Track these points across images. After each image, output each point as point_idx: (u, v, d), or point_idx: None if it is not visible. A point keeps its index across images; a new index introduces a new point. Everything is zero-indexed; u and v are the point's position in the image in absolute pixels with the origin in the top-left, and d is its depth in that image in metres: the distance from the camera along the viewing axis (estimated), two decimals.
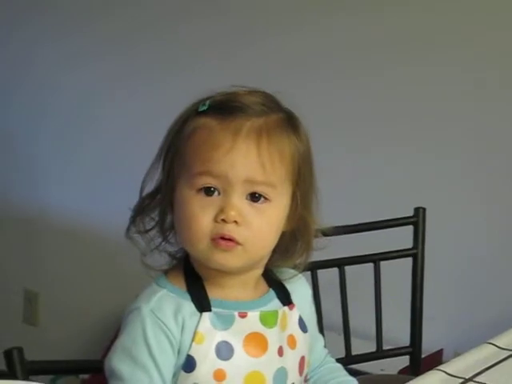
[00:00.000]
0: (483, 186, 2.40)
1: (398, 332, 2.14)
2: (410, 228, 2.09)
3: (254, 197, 1.10)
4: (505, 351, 1.47)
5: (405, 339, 2.12)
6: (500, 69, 2.35)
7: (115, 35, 3.02)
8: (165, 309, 1.13)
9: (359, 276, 2.08)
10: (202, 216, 1.10)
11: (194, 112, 1.13)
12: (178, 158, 1.13)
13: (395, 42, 2.48)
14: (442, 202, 2.39)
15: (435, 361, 2.41)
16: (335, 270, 2.02)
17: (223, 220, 1.09)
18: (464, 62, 2.39)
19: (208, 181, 1.09)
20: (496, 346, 1.49)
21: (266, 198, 1.11)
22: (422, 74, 2.45)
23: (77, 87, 3.13)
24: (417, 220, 2.10)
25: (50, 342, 3.11)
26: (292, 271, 1.23)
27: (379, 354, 2.08)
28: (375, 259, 2.07)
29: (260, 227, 1.11)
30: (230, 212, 1.08)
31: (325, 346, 1.34)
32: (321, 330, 1.45)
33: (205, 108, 1.11)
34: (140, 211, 1.19)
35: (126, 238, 1.20)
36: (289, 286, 1.23)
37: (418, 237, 2.10)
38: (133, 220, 1.19)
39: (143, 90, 2.96)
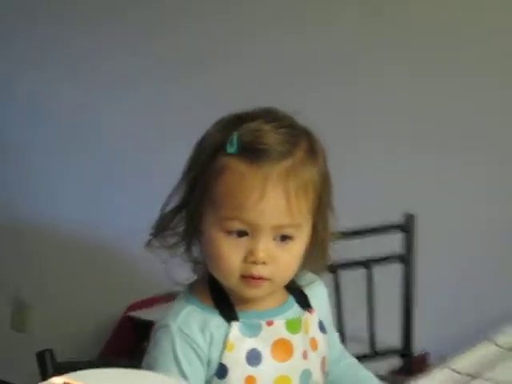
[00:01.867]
0: (471, 195, 2.47)
1: (387, 335, 2.21)
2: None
3: (282, 238, 1.17)
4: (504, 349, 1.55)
5: (394, 342, 2.20)
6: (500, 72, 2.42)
7: (116, 38, 3.03)
8: (192, 325, 1.19)
9: (349, 281, 2.15)
10: (231, 257, 1.16)
11: (221, 148, 1.16)
12: (206, 191, 1.17)
13: (394, 47, 2.53)
14: (434, 209, 2.45)
15: (422, 363, 2.49)
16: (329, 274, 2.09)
17: (253, 261, 1.15)
18: (463, 63, 2.44)
19: (238, 226, 1.15)
20: (496, 344, 1.56)
21: (291, 237, 1.17)
22: (413, 78, 2.50)
23: (73, 95, 3.16)
24: (407, 226, 2.18)
25: (37, 349, 3.12)
26: (311, 276, 1.29)
27: (372, 356, 2.16)
28: (368, 264, 2.14)
29: (287, 262, 1.18)
30: (259, 254, 1.15)
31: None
32: None
33: (233, 151, 1.15)
34: (162, 228, 1.23)
35: (147, 250, 1.24)
36: (307, 291, 1.29)
37: (409, 242, 2.18)
38: (154, 236, 1.24)
39: (142, 100, 2.99)
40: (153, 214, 2.97)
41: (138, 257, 2.99)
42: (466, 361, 1.49)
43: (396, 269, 2.20)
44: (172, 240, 1.22)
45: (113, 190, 3.12)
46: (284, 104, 1.24)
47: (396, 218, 2.19)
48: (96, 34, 3.06)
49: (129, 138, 3.05)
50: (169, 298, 3.03)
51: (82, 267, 3.16)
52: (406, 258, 2.19)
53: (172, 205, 1.22)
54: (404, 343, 2.21)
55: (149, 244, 1.23)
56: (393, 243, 2.20)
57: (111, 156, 3.09)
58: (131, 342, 2.78)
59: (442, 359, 2.35)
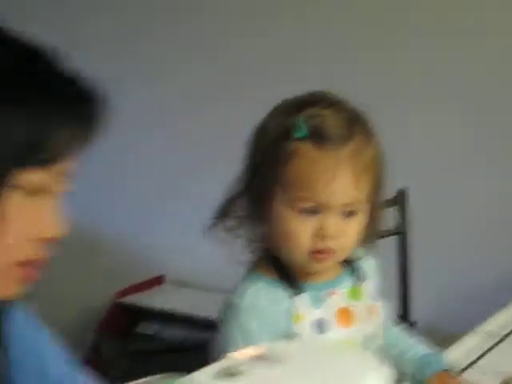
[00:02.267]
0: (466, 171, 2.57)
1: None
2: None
3: (348, 214, 1.23)
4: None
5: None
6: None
7: (116, 35, 3.05)
8: (261, 299, 1.24)
9: None
10: (302, 233, 1.22)
11: (287, 133, 1.22)
12: (275, 175, 1.22)
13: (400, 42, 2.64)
14: (426, 184, 2.54)
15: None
16: None
17: (323, 236, 1.22)
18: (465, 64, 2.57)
19: (309, 205, 1.21)
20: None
21: (355, 213, 1.24)
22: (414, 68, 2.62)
23: None
24: (400, 200, 2.26)
25: None
26: (361, 249, 1.35)
27: None
28: None
29: (351, 236, 1.25)
30: (329, 230, 1.22)
31: None
32: None
33: (302, 135, 1.21)
34: (226, 211, 1.28)
35: (209, 232, 1.28)
36: (360, 262, 1.36)
37: (402, 216, 2.26)
38: (218, 219, 1.29)
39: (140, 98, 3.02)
40: (139, 201, 2.99)
41: (124, 243, 3.05)
42: (495, 323, 1.57)
43: (390, 244, 2.28)
44: (233, 222, 1.27)
45: (96, 181, 3.14)
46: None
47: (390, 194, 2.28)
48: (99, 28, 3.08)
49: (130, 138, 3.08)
50: (158, 282, 3.05)
51: (69, 254, 3.15)
52: (401, 232, 2.27)
53: (233, 190, 1.27)
54: (402, 314, 2.29)
55: (211, 227, 1.28)
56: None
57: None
58: (122, 327, 2.81)
59: (431, 328, 2.45)
